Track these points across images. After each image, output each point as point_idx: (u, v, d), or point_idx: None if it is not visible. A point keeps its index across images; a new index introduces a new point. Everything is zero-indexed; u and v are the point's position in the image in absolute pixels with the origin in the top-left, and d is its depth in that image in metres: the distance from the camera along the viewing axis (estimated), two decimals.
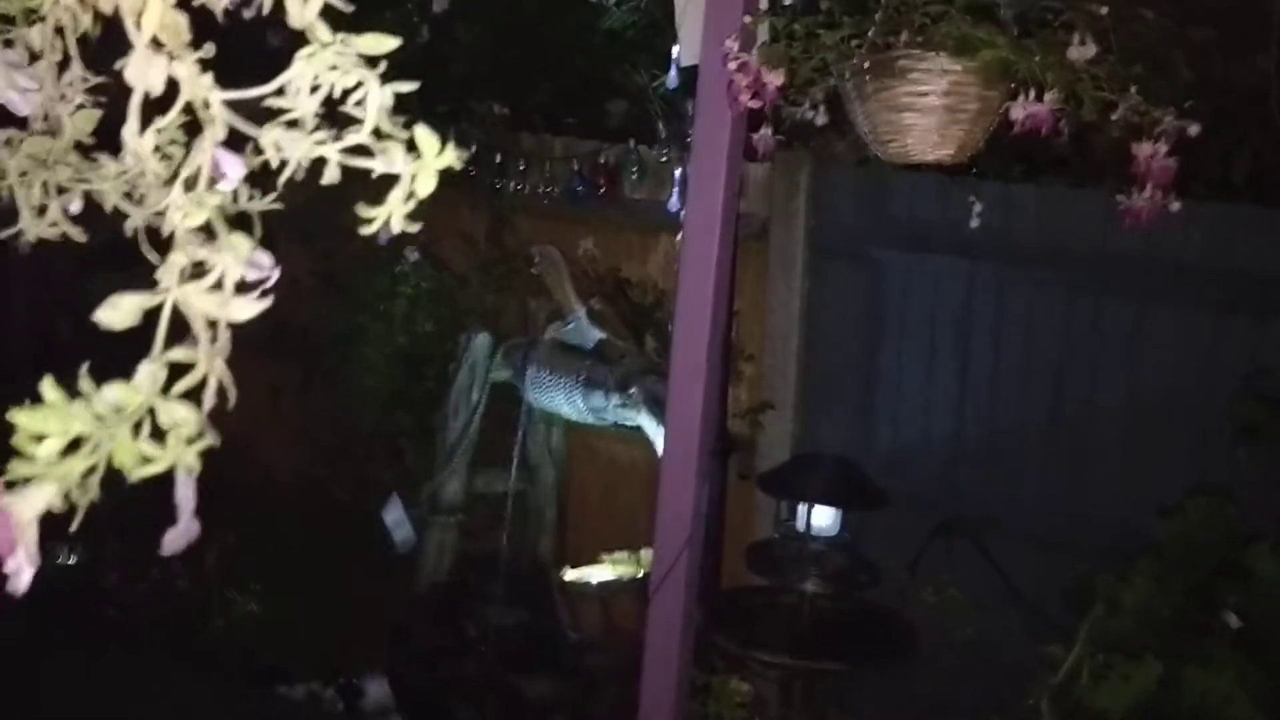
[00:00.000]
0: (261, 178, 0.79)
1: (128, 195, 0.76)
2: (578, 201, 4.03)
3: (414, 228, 0.67)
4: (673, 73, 2.77)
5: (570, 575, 3.88)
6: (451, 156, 0.64)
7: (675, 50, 2.71)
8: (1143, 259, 3.27)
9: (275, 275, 0.84)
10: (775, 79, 2.16)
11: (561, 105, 4.27)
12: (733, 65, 2.18)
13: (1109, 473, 3.35)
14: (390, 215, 0.64)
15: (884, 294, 3.76)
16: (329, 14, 0.73)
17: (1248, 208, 3.15)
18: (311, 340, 4.55)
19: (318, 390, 4.56)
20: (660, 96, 3.73)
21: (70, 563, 5.21)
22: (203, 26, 0.73)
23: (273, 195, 0.80)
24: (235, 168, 0.75)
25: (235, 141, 0.68)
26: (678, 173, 3.57)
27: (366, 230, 0.66)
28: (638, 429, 3.75)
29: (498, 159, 4.18)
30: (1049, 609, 3.08)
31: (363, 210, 0.65)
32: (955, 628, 3.20)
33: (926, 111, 2.26)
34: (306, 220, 4.73)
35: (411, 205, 0.65)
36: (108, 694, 4.32)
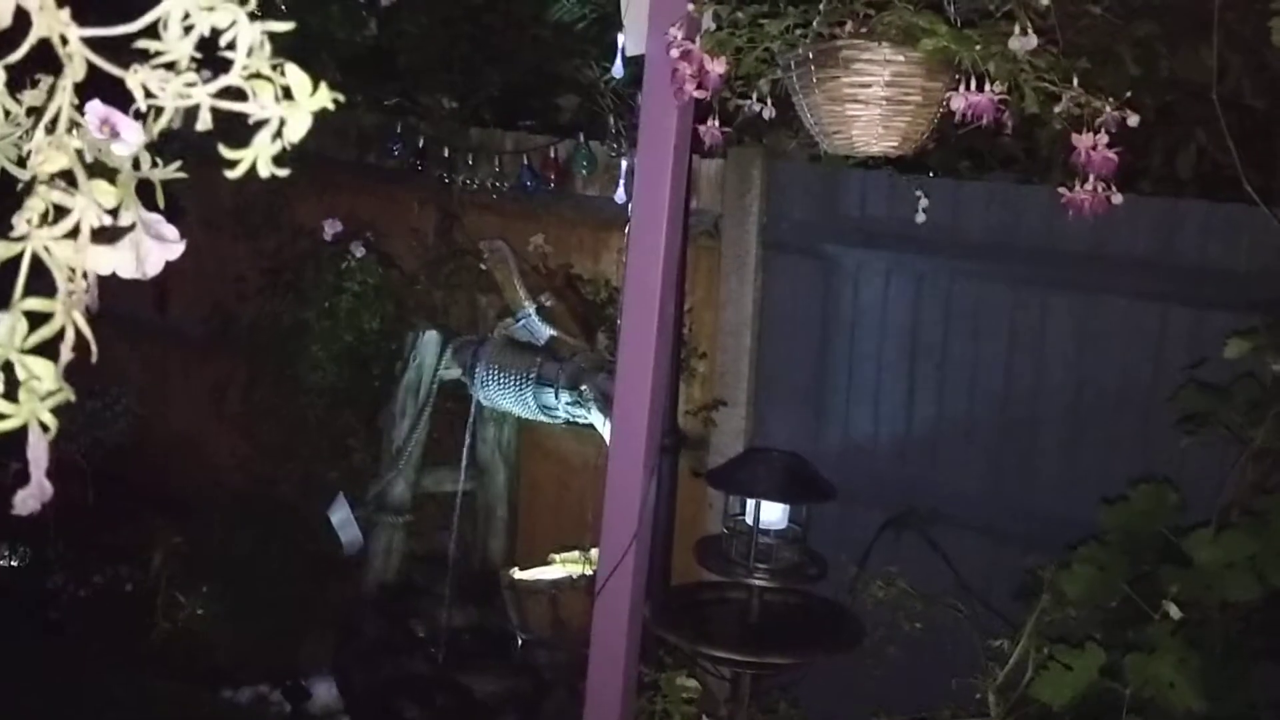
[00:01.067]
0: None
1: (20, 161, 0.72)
2: (528, 196, 3.99)
3: (282, 172, 0.64)
4: (618, 63, 2.75)
5: (520, 574, 3.84)
6: (325, 98, 0.61)
7: (621, 39, 2.68)
8: (1089, 253, 3.29)
9: (181, 248, 0.81)
10: (718, 67, 2.14)
11: (512, 99, 4.23)
12: (676, 53, 2.16)
13: (1057, 464, 3.37)
14: (256, 158, 0.61)
15: (836, 289, 3.76)
16: None
17: (1192, 202, 3.18)
18: (257, 337, 4.48)
19: (264, 388, 4.49)
20: (612, 91, 3.71)
21: (14, 565, 5.12)
22: None
23: (175, 164, 0.76)
24: (132, 132, 0.71)
25: (121, 100, 0.65)
26: (624, 165, 3.55)
27: (232, 174, 0.62)
28: (590, 426, 3.73)
29: (446, 153, 4.13)
30: (999, 601, 3.09)
31: (226, 152, 0.62)
32: (905, 621, 3.20)
33: (870, 102, 2.25)
34: (252, 215, 4.70)
35: (278, 148, 0.61)
36: (52, 698, 4.24)
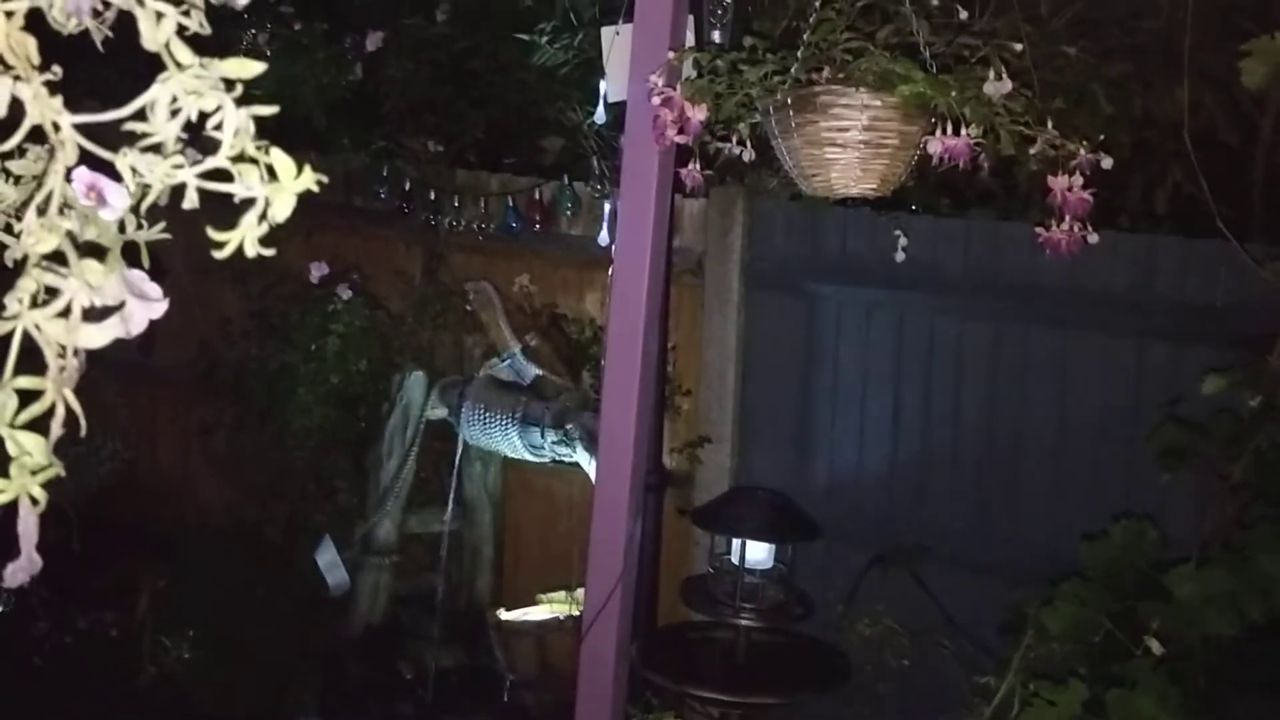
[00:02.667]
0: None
1: (6, 228, 0.74)
2: (513, 236, 4.02)
3: (268, 252, 0.66)
4: (600, 108, 2.79)
5: (506, 615, 3.83)
6: (310, 179, 0.63)
7: (603, 85, 2.72)
8: (1068, 289, 3.32)
9: (164, 306, 0.83)
10: (699, 114, 2.18)
11: (496, 142, 4.27)
12: (657, 100, 2.19)
13: (1042, 498, 3.39)
14: (244, 239, 0.63)
15: (819, 326, 3.78)
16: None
17: (1169, 238, 3.22)
18: (244, 380, 4.49)
19: (250, 430, 4.49)
20: (595, 133, 3.75)
21: None
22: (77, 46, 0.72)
23: (160, 225, 0.78)
24: (118, 196, 0.73)
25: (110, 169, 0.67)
26: (606, 207, 3.58)
27: (219, 255, 0.64)
28: (575, 465, 3.74)
29: (432, 196, 4.16)
30: (985, 636, 3.10)
31: (214, 234, 0.64)
32: (892, 658, 3.21)
33: (848, 146, 2.28)
34: (237, 258, 4.71)
35: (264, 229, 0.63)
36: None
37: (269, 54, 4.22)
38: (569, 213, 3.88)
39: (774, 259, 3.83)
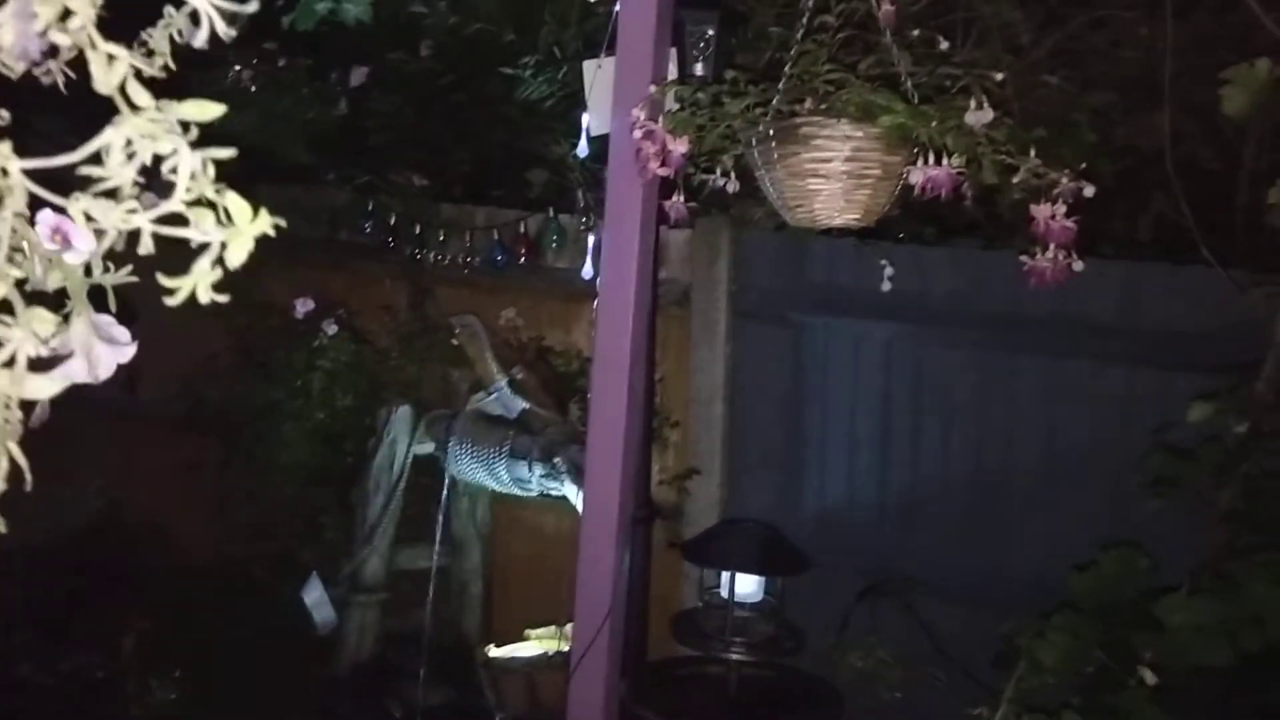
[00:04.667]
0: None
1: None
2: (498, 270, 4.02)
3: (222, 298, 0.65)
4: (583, 141, 2.79)
5: (494, 652, 3.80)
6: (265, 223, 0.62)
7: (585, 119, 2.72)
8: (1054, 318, 3.32)
9: (132, 350, 0.81)
10: (681, 146, 2.17)
11: (482, 175, 4.27)
12: (639, 134, 2.19)
13: (1032, 527, 3.37)
14: (196, 285, 0.61)
15: (806, 357, 3.77)
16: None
17: (1154, 265, 3.22)
18: (229, 416, 4.46)
19: (236, 467, 4.45)
20: (581, 166, 3.75)
21: None
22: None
23: (127, 269, 0.77)
24: (83, 239, 0.72)
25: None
26: (591, 240, 3.57)
27: (171, 301, 0.63)
28: (564, 499, 3.71)
29: (417, 230, 4.16)
30: (978, 667, 3.07)
31: (166, 280, 0.62)
32: (884, 691, 3.18)
33: (831, 177, 2.28)
34: (220, 293, 4.69)
35: (218, 274, 0.62)
36: None
37: (253, 90, 4.22)
38: (554, 245, 3.88)
39: (760, 290, 3.82)
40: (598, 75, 2.57)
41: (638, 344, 2.55)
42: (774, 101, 2.29)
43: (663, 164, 2.31)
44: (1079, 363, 3.30)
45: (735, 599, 2.89)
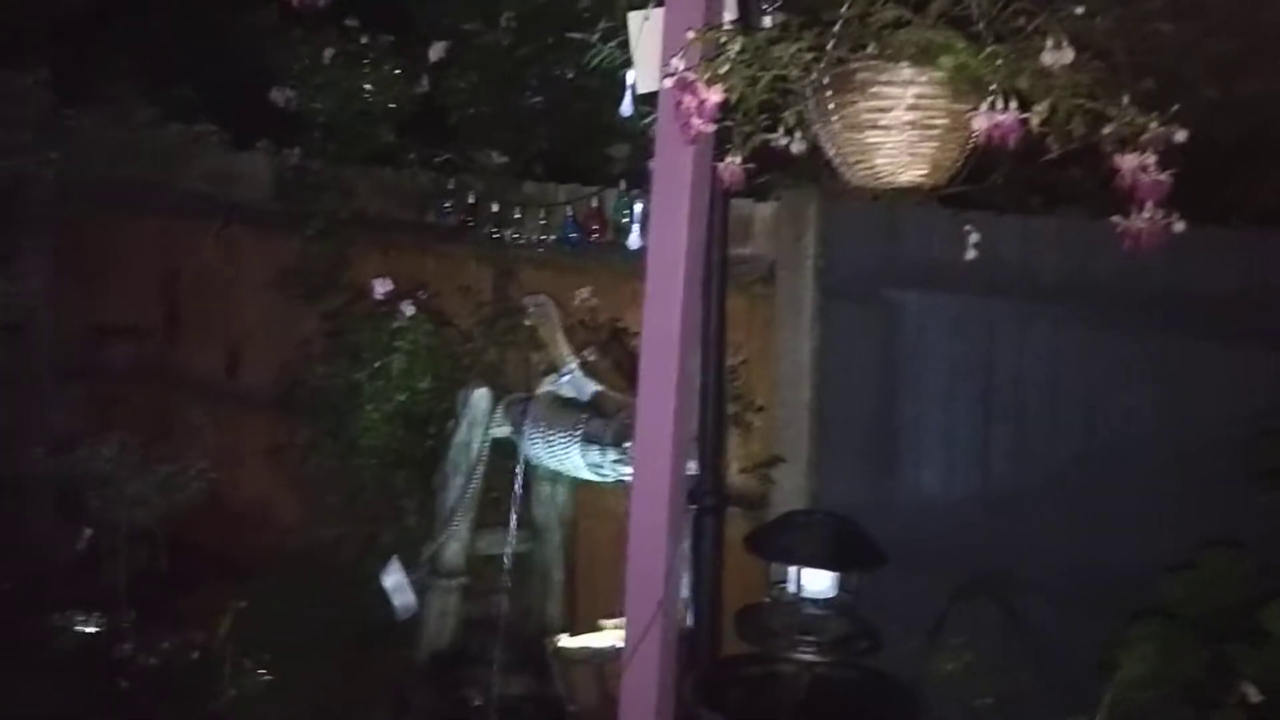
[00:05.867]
0: None
1: None
2: (572, 248, 3.88)
3: None
4: (627, 100, 2.62)
5: (565, 642, 3.67)
6: None
7: (630, 76, 2.55)
8: (1171, 293, 3.03)
9: None
10: (715, 96, 1.98)
11: (563, 151, 4.14)
12: (670, 83, 2.01)
13: (1144, 523, 3.08)
14: None
15: (900, 337, 3.54)
16: None
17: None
18: (318, 398, 4.44)
19: (323, 450, 4.43)
20: None
21: (88, 632, 5.13)
22: None
23: None
24: None
25: None
26: (637, 208, 3.40)
27: None
28: None
29: (494, 209, 4.05)
30: (1080, 675, 2.80)
31: None
32: (973, 697, 2.94)
33: (893, 128, 2.07)
34: (314, 277, 4.68)
35: None
36: None
37: (335, 69, 4.18)
38: (625, 221, 3.71)
39: (850, 266, 3.60)
40: (645, 28, 2.39)
41: (690, 320, 2.36)
42: (829, 46, 2.08)
43: (710, 119, 2.12)
44: (1198, 343, 2.99)
45: (806, 595, 2.68)
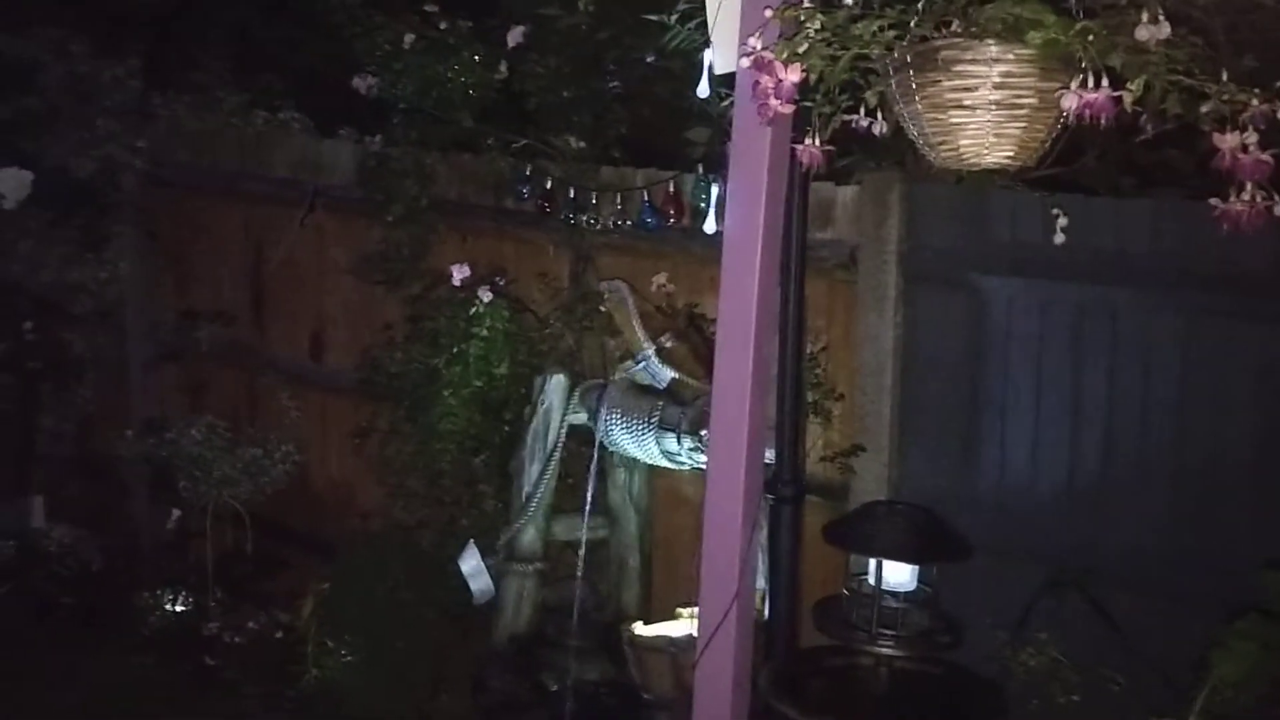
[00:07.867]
0: None
1: None
2: (649, 233, 3.84)
3: None
4: (704, 81, 2.56)
5: (640, 630, 3.65)
6: None
7: (708, 56, 2.49)
8: (1273, 278, 2.89)
9: None
10: (792, 75, 1.93)
11: (642, 136, 4.09)
12: (747, 62, 1.96)
13: (1245, 513, 2.96)
14: None
15: (986, 323, 3.44)
16: None
17: None
18: (398, 383, 4.47)
19: (403, 434, 4.46)
20: None
21: (177, 611, 5.24)
22: None
23: None
24: None
25: None
26: (714, 191, 3.34)
27: None
28: None
29: (571, 194, 4.03)
30: (1174, 673, 2.70)
31: None
32: (1060, 693, 2.85)
33: (978, 108, 2.00)
34: (396, 263, 4.71)
35: None
36: None
37: (416, 54, 4.19)
38: (702, 205, 3.66)
39: (935, 250, 3.51)
40: (723, 7, 2.34)
41: (767, 306, 2.32)
42: (912, 23, 2.01)
43: (788, 100, 2.07)
44: None
45: (885, 587, 2.63)
